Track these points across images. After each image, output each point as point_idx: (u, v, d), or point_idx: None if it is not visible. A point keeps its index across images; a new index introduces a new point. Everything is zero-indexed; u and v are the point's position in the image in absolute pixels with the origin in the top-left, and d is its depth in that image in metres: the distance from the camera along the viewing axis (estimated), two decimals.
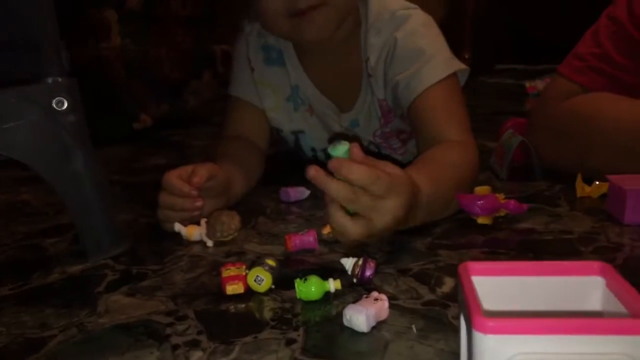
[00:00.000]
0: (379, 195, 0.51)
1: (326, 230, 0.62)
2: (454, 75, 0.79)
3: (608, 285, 0.36)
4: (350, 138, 0.88)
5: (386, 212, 0.52)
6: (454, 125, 0.75)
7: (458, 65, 0.79)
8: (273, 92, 0.91)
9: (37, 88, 0.58)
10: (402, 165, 0.57)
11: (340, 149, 0.51)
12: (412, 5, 0.83)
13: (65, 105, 0.59)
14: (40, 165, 0.60)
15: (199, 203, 0.68)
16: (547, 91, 0.95)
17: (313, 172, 0.50)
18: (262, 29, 0.85)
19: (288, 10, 0.74)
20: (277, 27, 0.78)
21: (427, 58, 0.77)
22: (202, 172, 0.68)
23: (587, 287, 0.37)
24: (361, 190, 0.50)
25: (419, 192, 0.58)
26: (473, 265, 0.39)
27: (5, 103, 0.56)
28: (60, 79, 0.59)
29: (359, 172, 0.49)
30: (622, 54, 0.83)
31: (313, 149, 0.96)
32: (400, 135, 0.91)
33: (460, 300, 0.37)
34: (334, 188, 0.50)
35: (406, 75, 0.78)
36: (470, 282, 0.36)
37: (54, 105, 0.58)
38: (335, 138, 0.48)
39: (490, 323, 0.31)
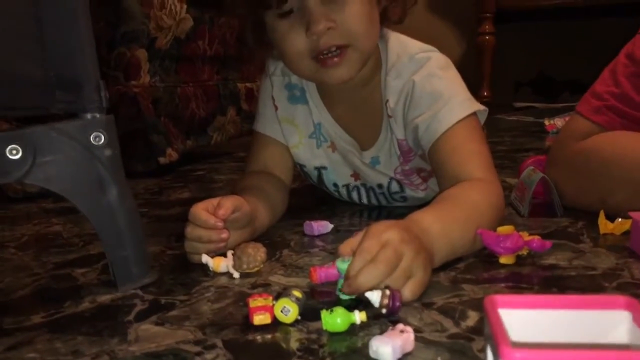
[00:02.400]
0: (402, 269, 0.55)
1: None
2: (474, 115, 0.80)
3: (635, 319, 0.37)
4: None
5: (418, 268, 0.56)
6: (475, 163, 0.76)
7: (477, 106, 0.81)
8: (296, 130, 0.94)
9: (76, 124, 0.61)
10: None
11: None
12: (431, 48, 0.86)
13: (103, 140, 0.61)
14: (76, 197, 0.62)
15: (224, 235, 0.70)
16: (566, 130, 0.96)
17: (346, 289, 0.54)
18: (287, 69, 0.88)
19: (311, 52, 0.76)
20: (300, 69, 0.80)
21: (446, 100, 0.79)
22: (227, 204, 0.70)
23: (613, 321, 0.38)
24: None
25: (425, 231, 0.60)
26: (499, 297, 0.39)
27: (46, 137, 0.59)
28: (98, 115, 0.62)
29: (371, 281, 0.53)
30: None
31: (335, 185, 0.98)
32: (421, 173, 0.92)
33: (487, 333, 0.38)
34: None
35: (425, 118, 0.79)
36: (497, 314, 0.37)
37: (92, 140, 0.61)
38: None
39: (518, 354, 0.32)
